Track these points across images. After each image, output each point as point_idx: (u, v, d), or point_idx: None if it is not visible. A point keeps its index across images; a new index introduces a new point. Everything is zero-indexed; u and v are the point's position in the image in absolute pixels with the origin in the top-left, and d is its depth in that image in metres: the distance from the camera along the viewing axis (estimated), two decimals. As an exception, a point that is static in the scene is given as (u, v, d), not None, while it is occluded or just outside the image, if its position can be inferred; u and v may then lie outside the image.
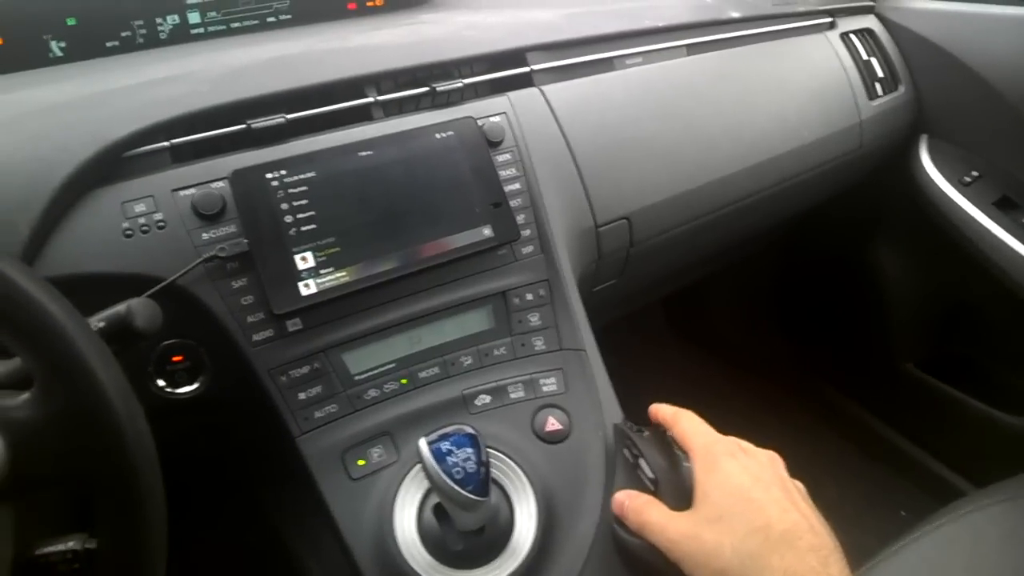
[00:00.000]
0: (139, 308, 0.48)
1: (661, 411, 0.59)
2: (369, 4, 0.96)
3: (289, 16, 0.92)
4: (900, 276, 1.23)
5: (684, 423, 0.56)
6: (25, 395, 0.42)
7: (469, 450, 0.53)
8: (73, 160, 0.58)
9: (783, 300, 1.48)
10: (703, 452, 0.52)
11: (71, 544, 0.44)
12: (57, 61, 0.80)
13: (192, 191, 0.60)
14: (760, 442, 0.55)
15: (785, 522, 0.46)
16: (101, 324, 0.48)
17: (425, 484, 0.57)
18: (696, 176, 0.84)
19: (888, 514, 1.21)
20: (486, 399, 0.63)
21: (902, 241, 1.23)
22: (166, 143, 0.62)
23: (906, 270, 1.23)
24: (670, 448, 0.56)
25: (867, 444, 1.34)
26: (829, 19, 1.07)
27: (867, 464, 1.32)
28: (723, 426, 0.56)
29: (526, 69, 0.79)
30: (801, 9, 1.04)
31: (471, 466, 0.52)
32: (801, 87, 0.98)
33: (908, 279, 1.23)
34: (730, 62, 0.93)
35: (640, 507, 0.52)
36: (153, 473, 0.42)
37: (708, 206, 0.86)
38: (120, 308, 0.48)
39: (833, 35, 1.05)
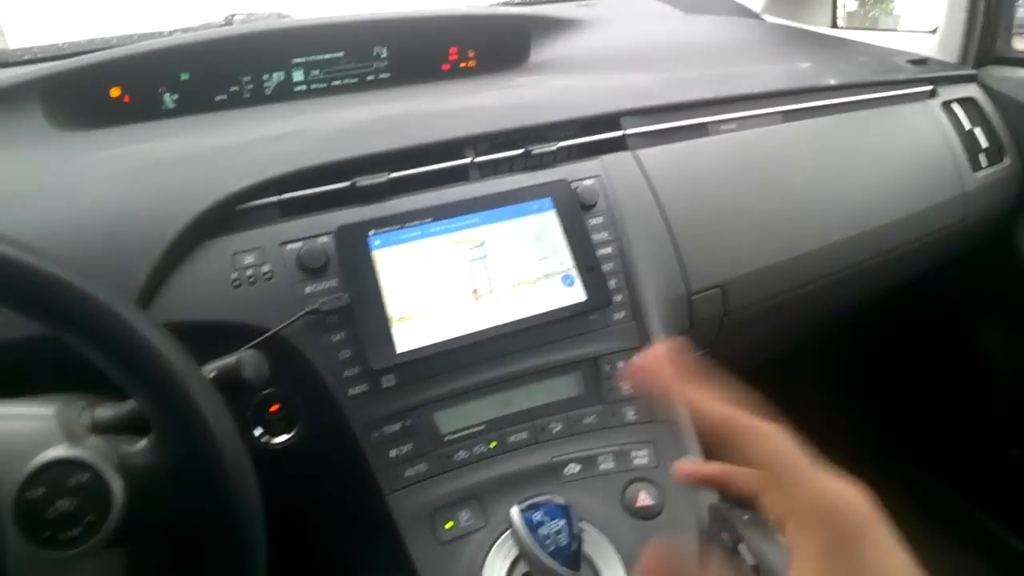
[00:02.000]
0: (249, 360, 0.50)
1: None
2: (463, 66, 1.00)
3: (387, 75, 0.96)
4: (1006, 356, 1.16)
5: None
6: (143, 442, 0.43)
7: (561, 522, 0.52)
8: (190, 211, 0.61)
9: (875, 375, 1.41)
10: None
11: (170, 592, 0.45)
12: (169, 114, 0.85)
13: (299, 245, 0.62)
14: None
15: None
16: (213, 373, 0.49)
17: (513, 552, 0.55)
18: (793, 245, 0.82)
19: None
20: (575, 468, 0.62)
21: (1007, 319, 1.16)
22: (275, 198, 0.65)
23: (1012, 350, 1.16)
24: (773, 533, 0.53)
25: (964, 533, 1.25)
26: (930, 87, 1.04)
27: (967, 557, 1.23)
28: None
29: (620, 133, 0.79)
30: (901, 77, 1.01)
31: (563, 539, 0.51)
32: (901, 157, 0.95)
33: (1014, 359, 1.16)
34: (828, 130, 0.91)
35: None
36: (259, 525, 0.43)
37: (804, 276, 0.84)
38: (231, 360, 0.50)
39: (934, 104, 1.02)
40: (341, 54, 0.92)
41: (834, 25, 1.39)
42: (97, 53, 0.80)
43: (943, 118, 1.02)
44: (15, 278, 0.39)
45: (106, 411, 0.48)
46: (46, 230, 0.58)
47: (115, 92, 0.82)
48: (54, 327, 0.40)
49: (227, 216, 0.63)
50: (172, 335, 0.43)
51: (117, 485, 0.41)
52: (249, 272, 0.61)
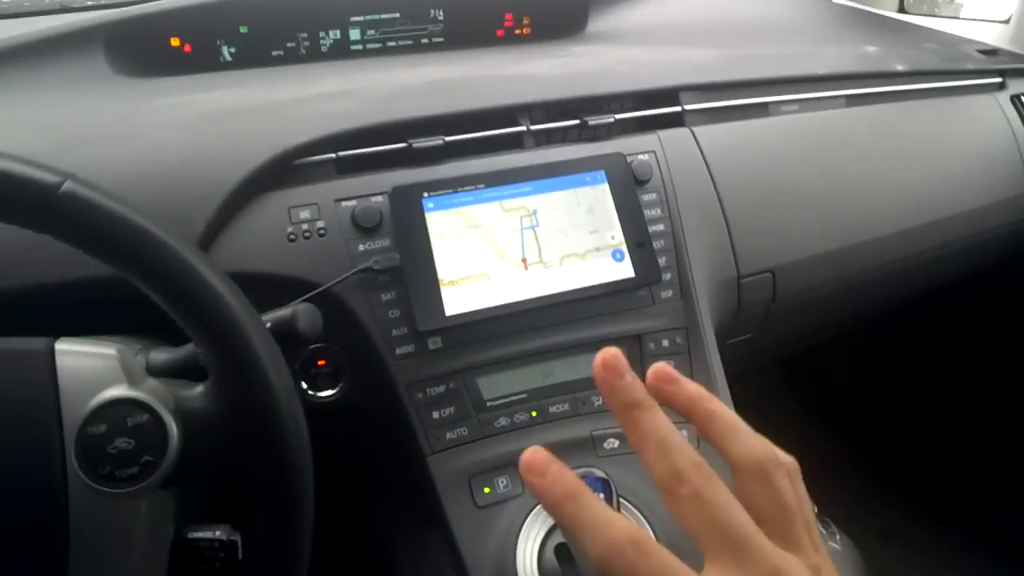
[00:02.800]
0: (304, 313, 0.50)
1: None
2: (517, 32, 0.98)
3: (442, 39, 0.95)
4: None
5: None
6: (200, 387, 0.44)
7: (600, 495, 0.52)
8: (249, 164, 0.61)
9: (919, 378, 1.38)
10: None
11: (218, 533, 0.46)
12: (226, 66, 0.85)
13: (353, 203, 0.62)
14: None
15: None
16: (268, 324, 0.50)
17: (549, 522, 0.56)
18: (848, 234, 0.80)
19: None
20: (615, 443, 0.62)
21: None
22: (333, 155, 0.65)
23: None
24: (826, 524, 0.53)
25: (998, 543, 1.23)
26: (999, 79, 1.00)
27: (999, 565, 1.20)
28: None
29: (677, 108, 0.78)
30: (970, 67, 0.98)
31: (602, 512, 0.51)
32: (966, 149, 0.92)
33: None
34: (892, 117, 0.88)
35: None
36: (308, 477, 0.44)
37: (858, 267, 0.82)
38: (286, 311, 0.50)
39: (1003, 96, 0.99)
40: (397, 15, 0.91)
41: (901, 9, 1.34)
42: (160, 2, 0.80)
43: (1011, 112, 0.98)
44: (84, 216, 0.40)
45: (160, 355, 0.49)
46: (109, 174, 0.59)
47: (175, 42, 0.82)
48: (120, 267, 0.41)
49: (284, 170, 0.63)
50: (234, 283, 0.44)
51: (174, 428, 0.42)
52: (304, 227, 0.61)
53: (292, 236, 0.61)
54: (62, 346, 0.43)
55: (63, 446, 0.41)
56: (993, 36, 1.13)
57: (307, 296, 0.57)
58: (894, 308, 1.14)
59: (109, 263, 0.41)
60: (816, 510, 0.53)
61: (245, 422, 0.42)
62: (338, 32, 0.91)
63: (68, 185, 0.39)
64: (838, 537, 0.51)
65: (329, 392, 0.62)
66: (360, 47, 0.92)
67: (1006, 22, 1.15)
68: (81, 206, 0.39)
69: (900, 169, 0.86)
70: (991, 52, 1.06)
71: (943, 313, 1.26)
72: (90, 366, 0.43)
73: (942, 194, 0.87)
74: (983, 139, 0.94)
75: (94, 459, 0.40)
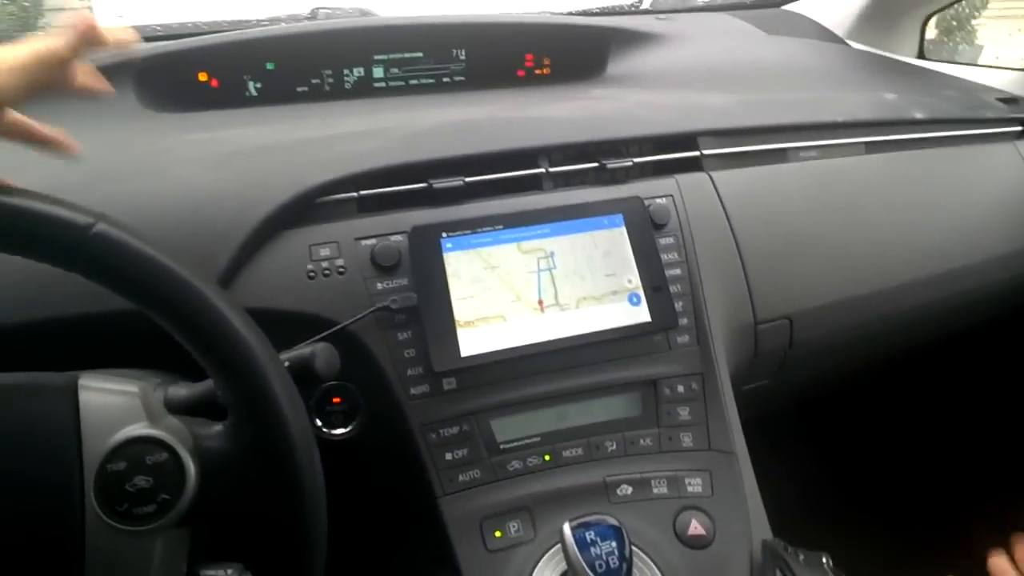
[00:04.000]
0: (322, 353, 0.50)
1: None
2: (538, 73, 1.00)
3: (463, 78, 0.96)
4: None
5: None
6: (218, 426, 0.44)
7: (613, 544, 0.51)
8: (272, 201, 0.62)
9: (938, 426, 1.36)
10: None
11: (230, 572, 0.46)
12: (251, 102, 0.87)
13: (373, 241, 0.63)
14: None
15: None
16: (286, 364, 0.50)
17: (560, 568, 0.56)
18: (867, 281, 0.80)
19: None
20: (628, 490, 0.62)
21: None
22: (355, 193, 0.66)
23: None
24: (828, 574, 0.52)
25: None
26: (1019, 128, 1.00)
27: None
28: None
29: (696, 153, 0.79)
30: (990, 115, 0.98)
31: (614, 561, 0.51)
32: (985, 198, 0.92)
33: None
34: (911, 164, 0.89)
35: None
36: (323, 518, 0.44)
37: (875, 314, 0.82)
38: (305, 351, 0.50)
39: (1022, 145, 0.99)
40: (420, 54, 0.93)
41: (921, 55, 1.35)
42: (190, 39, 0.82)
43: (1031, 160, 0.98)
44: (113, 257, 0.40)
45: (179, 391, 0.49)
46: (135, 208, 0.60)
47: (203, 76, 0.84)
48: (145, 306, 0.42)
49: (306, 208, 0.64)
50: (255, 323, 0.44)
51: (192, 467, 0.42)
52: (324, 264, 0.62)
53: (312, 274, 0.61)
54: (85, 382, 0.44)
55: (83, 482, 0.41)
56: (1012, 83, 1.14)
57: (324, 334, 0.57)
58: (914, 354, 1.12)
59: (135, 302, 0.42)
60: (830, 562, 0.52)
61: (263, 463, 0.43)
62: (362, 70, 0.93)
63: (100, 227, 0.40)
64: None
65: (343, 430, 0.63)
66: (383, 85, 0.94)
67: (1024, 70, 1.15)
68: (111, 247, 0.40)
69: (919, 217, 0.85)
70: (1011, 100, 1.06)
71: (962, 361, 1.25)
72: (112, 403, 0.43)
73: (960, 243, 0.87)
74: (1002, 188, 0.94)
75: (112, 496, 0.41)
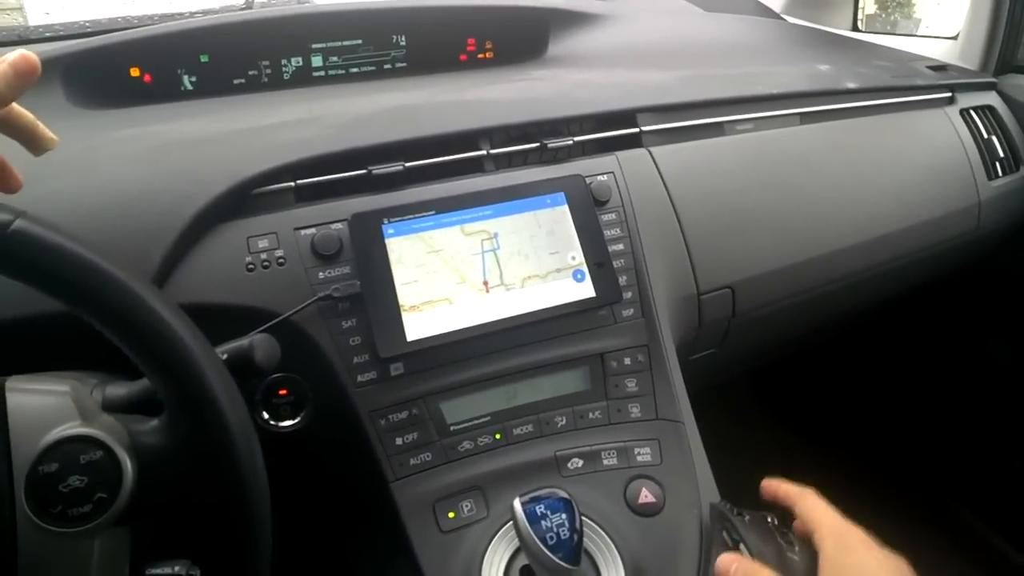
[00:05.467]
0: (260, 344, 0.50)
1: (781, 488, 0.57)
2: (480, 57, 1.00)
3: (404, 64, 0.96)
4: (1016, 366, 1.15)
5: (812, 500, 0.54)
6: (154, 422, 0.44)
7: (563, 515, 0.52)
8: (206, 194, 0.61)
9: (884, 387, 1.41)
10: (834, 530, 0.50)
11: (177, 568, 0.46)
12: (187, 95, 0.85)
13: (312, 231, 0.62)
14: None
15: None
16: (224, 356, 0.49)
17: (514, 544, 0.56)
18: (805, 249, 0.82)
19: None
20: (578, 463, 0.62)
21: (1018, 328, 1.15)
22: (291, 183, 0.65)
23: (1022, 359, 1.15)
24: (773, 536, 0.54)
25: (964, 543, 1.24)
26: (948, 94, 1.03)
27: (965, 566, 1.21)
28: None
29: (635, 130, 0.79)
30: (920, 83, 1.01)
31: (564, 532, 0.51)
32: (917, 163, 0.95)
33: (1024, 369, 1.15)
34: (845, 133, 0.91)
35: (749, 573, 0.50)
36: (265, 508, 0.44)
37: (815, 280, 0.84)
38: (243, 342, 0.50)
39: (952, 111, 1.02)
40: (360, 41, 0.92)
41: (855, 28, 1.38)
42: (119, 33, 0.80)
43: (961, 125, 1.01)
44: (33, 253, 0.39)
45: (117, 390, 0.48)
46: (64, 208, 0.59)
47: (135, 72, 0.82)
48: (71, 304, 0.41)
49: (242, 200, 0.63)
50: (187, 317, 0.43)
51: (128, 464, 0.42)
52: (263, 256, 0.61)
53: (251, 266, 0.61)
54: (13, 384, 0.43)
55: (12, 486, 0.40)
56: (941, 52, 1.17)
57: (266, 326, 0.57)
58: (855, 319, 1.16)
59: (61, 300, 0.41)
60: (775, 521, 0.54)
61: (200, 455, 0.42)
62: (300, 59, 0.91)
63: (19, 223, 0.39)
64: (796, 548, 0.51)
65: (291, 422, 0.62)
66: (323, 74, 0.92)
67: (954, 38, 1.19)
68: (32, 244, 0.39)
69: (854, 184, 0.88)
70: (940, 68, 1.09)
71: (903, 322, 1.29)
72: (42, 403, 0.43)
73: (895, 207, 0.89)
74: (934, 153, 0.97)
75: (45, 498, 0.40)
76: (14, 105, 0.45)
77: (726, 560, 0.52)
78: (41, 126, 0.48)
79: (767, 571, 0.49)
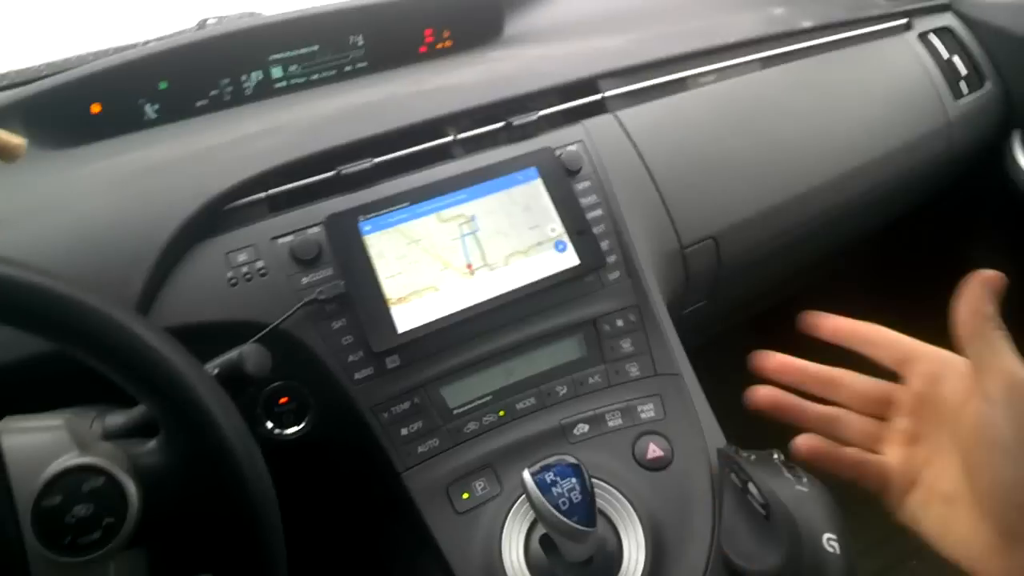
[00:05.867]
0: (250, 354, 0.50)
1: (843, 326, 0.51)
2: (439, 47, 0.99)
3: (365, 64, 0.95)
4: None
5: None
6: (152, 443, 0.44)
7: (573, 480, 0.52)
8: (179, 216, 0.61)
9: (876, 314, 1.41)
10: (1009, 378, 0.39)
11: (196, 584, 0.46)
12: (152, 124, 0.85)
13: (290, 238, 0.63)
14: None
15: None
16: (215, 371, 0.50)
17: (531, 516, 0.57)
18: (781, 190, 0.82)
19: None
20: (584, 428, 0.63)
21: (1002, 242, 1.16)
22: (263, 194, 0.65)
23: (1009, 274, 1.16)
24: (780, 471, 0.54)
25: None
26: (904, 20, 1.03)
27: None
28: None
29: (598, 96, 0.80)
30: (875, 13, 1.01)
31: (576, 496, 0.52)
32: (882, 92, 0.95)
33: (1013, 289, 1.15)
34: (806, 72, 0.91)
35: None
36: (273, 512, 0.44)
37: (796, 220, 0.84)
38: (232, 354, 0.50)
39: (911, 36, 1.02)
40: (316, 47, 0.92)
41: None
42: (74, 70, 0.80)
43: (921, 50, 1.01)
44: (13, 295, 0.40)
45: (116, 419, 0.49)
46: (37, 249, 0.59)
47: (96, 108, 0.82)
48: (54, 340, 0.41)
49: (216, 217, 0.63)
50: (170, 335, 0.44)
51: (131, 487, 0.42)
52: (244, 269, 0.61)
53: (233, 281, 0.61)
54: (5, 424, 0.43)
55: (18, 524, 0.40)
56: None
57: (256, 337, 0.57)
58: (842, 254, 1.16)
59: (41, 336, 0.41)
60: (781, 457, 0.54)
61: (201, 469, 0.43)
62: (260, 73, 0.91)
63: None
64: (805, 480, 0.52)
65: (296, 428, 0.63)
66: (285, 84, 0.92)
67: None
68: (4, 284, 0.39)
69: (822, 120, 0.88)
70: (894, -5, 1.09)
71: (890, 253, 1.29)
72: (37, 440, 0.43)
73: (865, 138, 0.90)
74: (898, 79, 0.97)
75: (53, 531, 0.40)
76: None
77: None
78: (3, 133, 0.48)
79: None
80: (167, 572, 0.46)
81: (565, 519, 0.50)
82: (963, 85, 1.02)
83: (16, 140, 0.49)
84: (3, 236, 0.59)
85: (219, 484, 0.42)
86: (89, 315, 0.41)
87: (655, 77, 0.83)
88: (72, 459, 0.41)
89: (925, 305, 1.31)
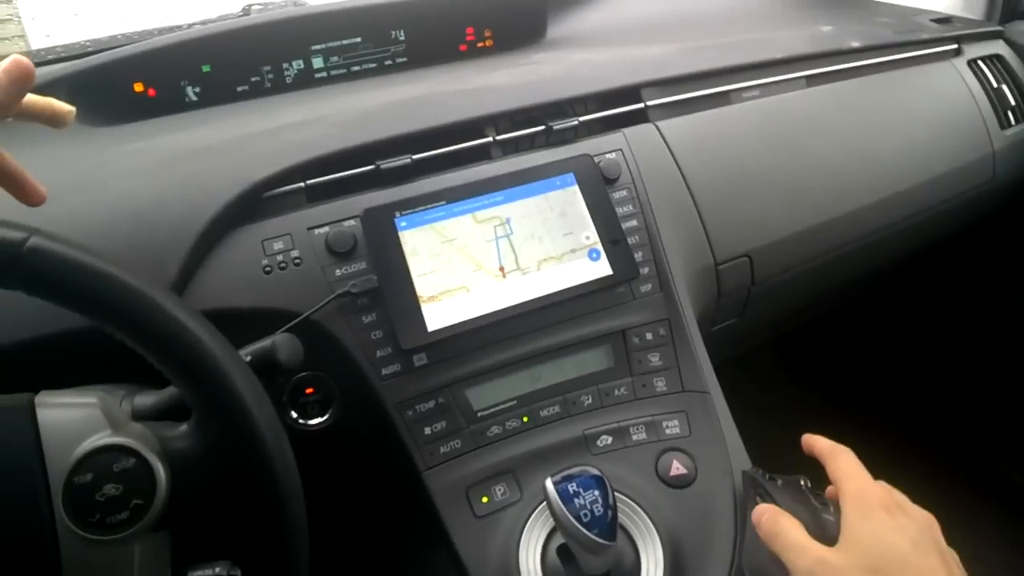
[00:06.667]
0: (283, 343, 0.50)
1: (818, 443, 0.56)
2: (480, 45, 0.99)
3: (405, 59, 0.96)
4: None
5: (843, 461, 0.53)
6: (183, 427, 0.44)
7: (596, 492, 0.52)
8: (218, 201, 0.61)
9: (910, 344, 1.39)
10: (857, 495, 0.49)
11: (218, 570, 0.46)
12: (192, 106, 0.85)
13: (326, 229, 0.63)
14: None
15: None
16: (248, 358, 0.50)
17: (549, 524, 0.56)
18: (820, 211, 0.81)
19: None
20: (608, 440, 0.62)
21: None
22: (302, 184, 0.65)
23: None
24: (807, 498, 0.53)
25: (1013, 507, 1.22)
26: (955, 46, 1.02)
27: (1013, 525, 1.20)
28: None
29: (640, 105, 0.79)
30: (925, 36, 0.99)
31: (598, 509, 0.51)
32: (928, 117, 0.93)
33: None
34: (852, 93, 0.90)
35: (778, 519, 0.50)
36: (300, 503, 0.44)
37: (833, 242, 0.83)
38: (266, 343, 0.50)
39: (960, 62, 1.00)
40: (359, 39, 0.92)
41: (855, -14, 1.36)
42: (119, 49, 0.80)
43: (969, 76, 1.00)
44: (50, 269, 0.40)
45: (146, 399, 0.49)
46: (78, 225, 0.59)
47: (139, 87, 0.82)
48: (91, 316, 0.41)
49: (254, 204, 0.64)
50: (206, 320, 0.44)
51: (161, 469, 0.42)
52: (279, 258, 0.61)
53: (268, 268, 0.61)
54: (42, 399, 0.44)
55: (50, 498, 0.41)
56: (946, 5, 1.15)
57: (287, 326, 0.57)
58: (877, 278, 1.15)
59: (81, 312, 0.41)
60: (808, 484, 0.53)
61: (231, 456, 0.43)
62: (301, 62, 0.92)
63: (33, 240, 0.40)
64: (832, 508, 0.51)
65: (320, 419, 0.63)
66: (325, 75, 0.93)
67: (957, -10, 1.17)
68: (47, 260, 0.40)
69: (865, 143, 0.87)
70: (945, 20, 1.07)
71: (925, 279, 1.27)
72: (72, 416, 0.43)
73: (908, 163, 0.88)
74: (944, 106, 0.96)
75: (83, 508, 0.40)
76: (27, 98, 0.47)
77: (759, 510, 0.52)
78: (56, 103, 0.50)
79: (791, 519, 0.49)
80: (189, 556, 0.47)
81: (586, 531, 0.50)
82: (1010, 115, 1.00)
83: (65, 107, 0.50)
84: (45, 210, 0.60)
85: (248, 473, 0.42)
86: (128, 294, 0.41)
87: (698, 89, 0.82)
88: (105, 438, 0.42)
89: (955, 333, 1.30)
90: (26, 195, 0.49)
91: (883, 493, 0.50)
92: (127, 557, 0.42)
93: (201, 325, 0.43)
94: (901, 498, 0.51)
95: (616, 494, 0.56)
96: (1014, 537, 1.17)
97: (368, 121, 0.71)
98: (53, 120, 0.49)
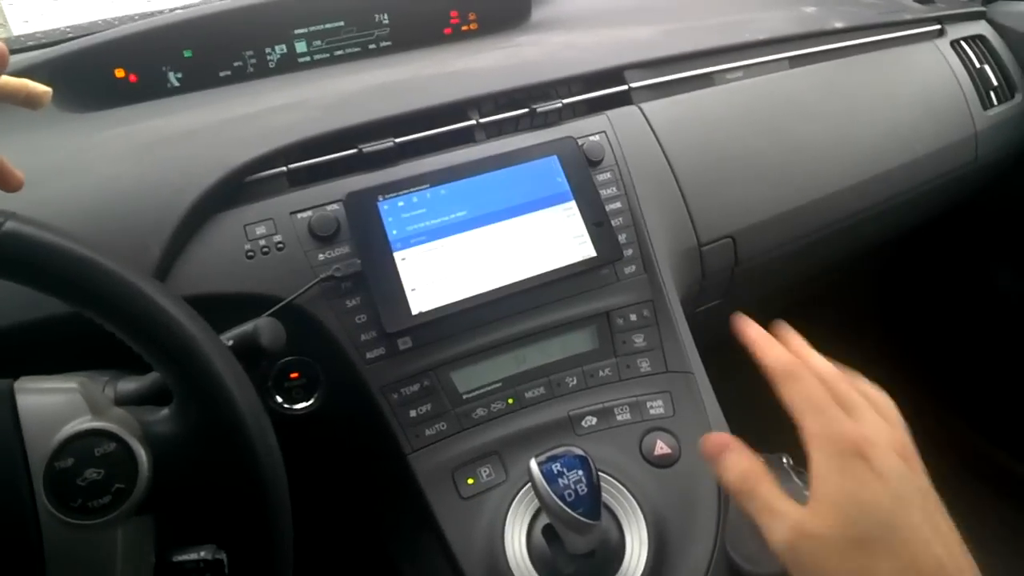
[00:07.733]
0: (265, 327, 0.50)
1: (757, 342, 0.47)
2: (464, 29, 0.99)
3: (389, 43, 0.95)
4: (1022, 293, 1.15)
5: (801, 389, 0.43)
6: (164, 411, 0.44)
7: (580, 472, 0.52)
8: (199, 186, 0.61)
9: (895, 323, 1.40)
10: (824, 437, 0.41)
11: (203, 553, 0.46)
12: (174, 92, 0.85)
13: (309, 213, 0.63)
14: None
15: (929, 560, 0.42)
16: (230, 342, 0.50)
17: (534, 505, 0.57)
18: (803, 193, 0.81)
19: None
20: (592, 421, 0.63)
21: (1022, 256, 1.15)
22: (284, 168, 0.65)
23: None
24: (789, 476, 0.54)
25: (998, 483, 1.24)
26: (938, 27, 1.02)
27: (997, 504, 1.21)
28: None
29: (624, 87, 0.79)
30: (908, 17, 0.99)
31: (582, 488, 0.52)
32: (911, 98, 0.94)
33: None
34: (835, 74, 0.90)
35: (748, 475, 0.43)
36: (282, 486, 0.44)
37: (816, 224, 0.83)
38: (248, 327, 0.50)
39: (943, 43, 1.01)
40: (342, 23, 0.91)
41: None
42: (100, 34, 0.79)
43: (952, 57, 1.00)
44: (34, 256, 0.40)
45: (128, 384, 0.49)
46: (59, 211, 0.59)
47: (120, 72, 0.81)
48: (69, 300, 0.41)
49: (236, 188, 0.63)
50: (188, 304, 0.44)
51: (143, 453, 0.42)
52: (262, 243, 0.61)
53: (250, 253, 0.61)
54: (22, 384, 0.43)
55: (31, 484, 0.41)
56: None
57: (271, 311, 0.57)
58: (859, 260, 1.15)
59: (59, 297, 0.41)
60: (790, 461, 0.54)
61: (213, 440, 0.43)
62: (284, 46, 0.91)
63: (9, 224, 0.39)
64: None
65: (305, 404, 0.63)
66: (308, 59, 0.92)
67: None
68: (23, 244, 0.39)
69: (848, 124, 0.87)
70: (928, 1, 1.08)
71: (909, 261, 1.28)
72: (52, 401, 0.43)
73: (891, 144, 0.89)
74: (927, 87, 0.96)
75: (64, 493, 0.40)
76: (1, 80, 0.46)
77: (712, 440, 0.46)
78: (32, 83, 0.49)
79: (764, 473, 0.44)
80: (173, 540, 0.47)
81: (569, 510, 0.50)
82: (993, 95, 1.01)
83: (41, 88, 0.49)
84: (25, 196, 0.59)
85: (230, 456, 0.42)
86: (108, 279, 0.41)
87: (682, 71, 0.82)
88: (85, 423, 0.42)
89: (939, 315, 1.31)
90: (3, 181, 0.49)
91: (852, 428, 0.42)
92: (110, 541, 0.42)
93: (180, 308, 0.43)
94: (871, 418, 0.44)
95: (600, 474, 0.56)
96: (1016, 526, 1.18)
97: (351, 104, 0.71)
98: (28, 101, 0.49)
